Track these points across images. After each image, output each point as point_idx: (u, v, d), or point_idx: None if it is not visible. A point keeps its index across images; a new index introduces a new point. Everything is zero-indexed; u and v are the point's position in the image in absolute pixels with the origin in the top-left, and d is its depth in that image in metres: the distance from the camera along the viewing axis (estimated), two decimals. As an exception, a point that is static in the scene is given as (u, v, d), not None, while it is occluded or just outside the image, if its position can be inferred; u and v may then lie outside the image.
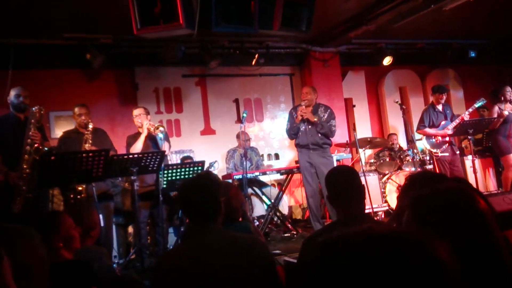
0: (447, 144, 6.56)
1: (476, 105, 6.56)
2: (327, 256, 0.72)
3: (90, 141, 4.88)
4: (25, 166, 4.49)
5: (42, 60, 6.51)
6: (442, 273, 0.70)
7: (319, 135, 5.84)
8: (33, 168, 4.48)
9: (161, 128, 5.24)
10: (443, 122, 6.61)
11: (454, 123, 6.48)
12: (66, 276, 2.11)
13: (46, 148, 4.69)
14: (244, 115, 5.92)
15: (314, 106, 5.96)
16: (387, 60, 7.78)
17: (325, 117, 5.91)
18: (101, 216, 4.19)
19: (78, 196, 4.59)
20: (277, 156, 8.06)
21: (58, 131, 6.47)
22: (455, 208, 1.42)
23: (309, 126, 5.86)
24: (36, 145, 4.55)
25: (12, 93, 4.77)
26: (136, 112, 5.48)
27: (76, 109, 5.15)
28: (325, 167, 5.61)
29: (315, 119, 5.81)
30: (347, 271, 0.69)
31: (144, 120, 5.34)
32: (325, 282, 0.70)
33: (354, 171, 2.56)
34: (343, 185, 2.31)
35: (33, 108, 4.64)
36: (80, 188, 4.63)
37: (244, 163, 6.00)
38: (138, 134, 5.38)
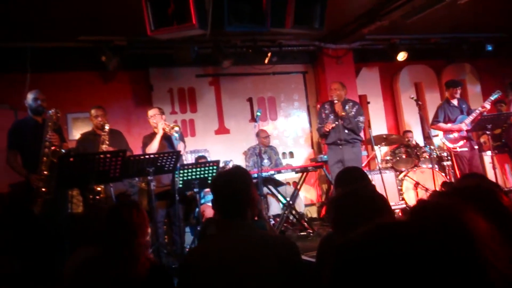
0: (465, 140, 6.48)
1: (492, 98, 6.46)
2: (347, 258, 0.72)
3: (107, 142, 4.94)
4: (43, 168, 4.56)
5: (59, 63, 6.60)
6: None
7: (346, 130, 5.85)
8: (51, 170, 4.55)
9: (176, 128, 5.27)
10: (459, 117, 6.53)
11: (470, 117, 6.39)
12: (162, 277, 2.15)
13: (63, 150, 4.77)
14: (258, 113, 5.92)
15: (342, 102, 5.98)
16: (401, 56, 7.71)
17: (353, 112, 5.94)
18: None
19: (97, 197, 4.66)
20: (291, 155, 8.05)
21: (75, 133, 6.57)
22: (479, 205, 1.41)
23: (337, 122, 5.87)
24: (53, 148, 4.63)
25: (30, 97, 4.84)
26: (151, 112, 5.53)
27: (93, 111, 5.22)
28: (353, 163, 5.57)
29: (343, 113, 5.84)
30: (369, 273, 0.68)
31: (159, 120, 5.38)
32: (349, 281, 0.70)
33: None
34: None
35: (50, 111, 4.71)
36: (98, 189, 4.69)
37: (259, 162, 6.00)
38: (154, 135, 5.42)
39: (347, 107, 5.95)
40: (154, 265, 2.21)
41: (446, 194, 1.42)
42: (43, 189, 4.52)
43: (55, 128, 4.73)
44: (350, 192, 1.99)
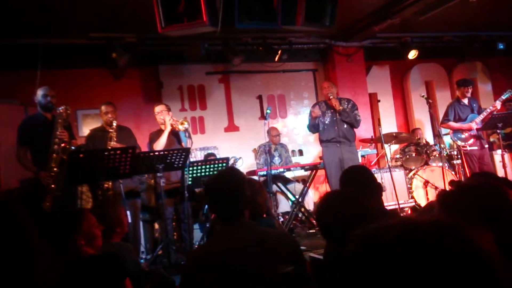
0: (476, 139, 6.43)
1: (503, 97, 6.41)
2: (366, 250, 0.72)
3: (115, 139, 4.96)
4: (53, 165, 4.59)
5: (69, 59, 6.63)
6: (485, 265, 0.68)
7: (345, 126, 5.83)
8: (61, 167, 4.58)
9: (185, 123, 5.29)
10: (469, 116, 6.48)
11: (481, 116, 6.35)
12: (95, 269, 2.16)
13: (73, 147, 4.80)
14: (268, 111, 5.92)
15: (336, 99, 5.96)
16: (412, 54, 7.65)
17: (349, 107, 5.95)
18: (128, 212, 4.27)
19: (107, 193, 4.68)
20: (301, 152, 8.04)
21: (85, 129, 6.60)
22: (486, 202, 1.40)
23: (334, 118, 5.85)
24: (63, 145, 4.66)
25: (39, 93, 4.87)
26: (157, 109, 5.54)
27: (103, 107, 5.24)
28: (352, 163, 5.55)
29: (341, 107, 5.82)
30: (387, 266, 0.68)
31: (166, 116, 5.40)
32: (364, 276, 0.70)
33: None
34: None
35: (60, 108, 4.74)
36: (106, 185, 4.72)
37: (269, 159, 6.00)
38: (160, 131, 5.45)
39: (341, 104, 5.94)
40: (90, 257, 2.26)
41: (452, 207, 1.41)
42: (52, 186, 4.55)
43: (65, 125, 4.76)
44: (332, 199, 2.03)
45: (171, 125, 5.32)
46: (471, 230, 0.73)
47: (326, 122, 5.92)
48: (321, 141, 6.04)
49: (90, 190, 5.15)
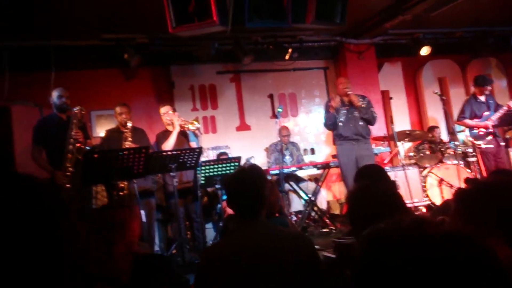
0: (491, 136, 6.34)
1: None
2: (377, 249, 0.71)
3: (130, 139, 5.00)
4: (68, 165, 4.64)
5: (82, 61, 6.70)
6: (497, 273, 0.67)
7: (361, 123, 5.73)
8: (76, 167, 4.63)
9: (196, 123, 5.32)
10: (486, 113, 6.38)
11: (497, 114, 6.24)
12: (150, 267, 2.17)
13: (88, 148, 4.84)
14: (279, 110, 5.91)
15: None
16: (425, 50, 7.56)
17: (365, 104, 5.82)
18: (143, 212, 4.30)
19: (121, 193, 4.72)
20: (312, 151, 8.01)
21: (99, 130, 6.67)
22: (503, 201, 1.37)
23: (350, 115, 5.75)
24: (78, 145, 4.70)
25: (54, 94, 4.93)
26: (163, 110, 5.57)
27: (118, 108, 5.29)
28: (368, 161, 5.49)
29: (359, 103, 5.71)
30: (394, 266, 0.67)
31: (173, 117, 5.42)
32: (373, 275, 0.69)
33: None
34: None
35: (74, 109, 4.78)
36: (122, 185, 4.75)
37: (281, 158, 5.99)
38: (167, 132, 5.48)
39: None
40: (139, 258, 2.23)
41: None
42: (68, 185, 4.60)
43: (80, 125, 4.80)
44: (365, 187, 1.99)
45: (180, 125, 5.34)
46: (486, 235, 0.72)
47: (341, 119, 5.78)
48: (336, 139, 5.90)
49: (106, 190, 5.19)
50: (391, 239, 0.71)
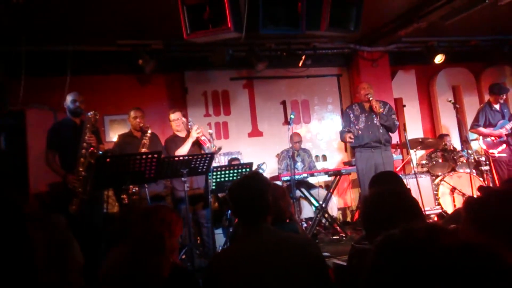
0: (505, 145, 6.28)
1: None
2: (390, 256, 0.71)
3: (147, 146, 5.06)
4: (81, 169, 4.68)
5: (97, 66, 6.79)
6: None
7: (381, 130, 5.63)
8: (88, 171, 4.67)
9: (209, 130, 5.37)
10: (500, 122, 6.33)
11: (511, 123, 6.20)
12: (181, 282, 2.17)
13: (100, 152, 4.89)
14: (292, 116, 5.90)
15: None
16: (439, 58, 7.52)
17: (386, 110, 5.75)
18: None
19: (132, 197, 4.76)
20: (324, 158, 7.99)
21: (112, 134, 6.74)
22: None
23: (370, 122, 5.67)
24: (91, 149, 4.75)
25: (68, 99, 4.99)
26: (174, 116, 5.61)
27: (132, 112, 5.35)
28: (387, 168, 5.42)
29: (381, 110, 5.63)
30: (408, 271, 0.68)
31: (194, 125, 5.45)
32: (388, 281, 0.69)
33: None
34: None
35: (89, 113, 4.84)
36: (134, 190, 4.79)
37: (292, 164, 5.99)
38: (176, 137, 5.52)
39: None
40: (176, 268, 2.21)
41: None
42: (79, 189, 4.65)
43: (93, 129, 4.86)
44: (381, 192, 1.98)
45: (197, 137, 5.39)
46: (499, 244, 0.72)
47: (361, 126, 5.71)
48: (354, 146, 5.82)
49: (114, 194, 5.22)
50: (405, 246, 0.71)
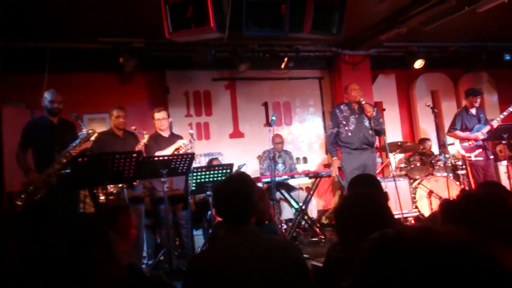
0: (481, 149, 6.41)
1: (511, 109, 6.39)
2: (386, 254, 0.71)
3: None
4: (52, 170, 4.62)
5: (77, 63, 6.67)
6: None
7: (370, 132, 5.60)
8: (55, 177, 4.62)
9: (190, 131, 5.35)
10: (476, 126, 6.46)
11: (488, 127, 6.34)
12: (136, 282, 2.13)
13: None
14: (273, 118, 5.90)
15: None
16: (418, 63, 7.65)
17: (375, 114, 5.69)
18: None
19: (110, 197, 4.70)
20: (305, 160, 8.03)
21: (91, 133, 6.63)
22: (486, 211, 1.40)
23: (360, 124, 5.63)
24: (64, 161, 4.68)
25: (46, 98, 4.88)
26: (159, 115, 5.54)
27: (115, 111, 5.28)
28: (373, 170, 5.45)
29: (374, 114, 5.60)
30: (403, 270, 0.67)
31: (180, 141, 5.43)
32: (382, 279, 0.69)
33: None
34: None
35: (89, 130, 4.84)
36: (113, 191, 4.73)
37: (273, 166, 5.99)
38: (158, 136, 5.48)
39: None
40: (132, 270, 2.19)
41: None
42: (31, 187, 4.57)
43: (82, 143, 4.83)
44: (353, 196, 1.99)
45: (180, 147, 5.37)
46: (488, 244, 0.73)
47: (351, 128, 5.63)
48: (342, 147, 5.72)
49: (89, 194, 5.11)
50: (400, 244, 0.71)
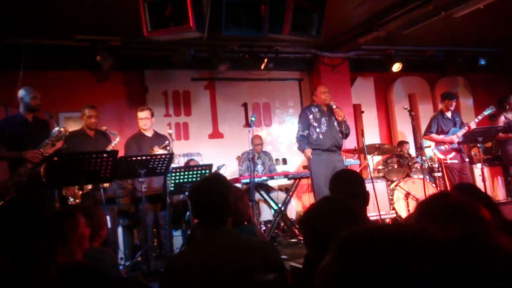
0: (456, 152, 6.52)
1: (485, 113, 6.53)
2: (352, 251, 0.69)
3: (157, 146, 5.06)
4: (22, 172, 4.53)
5: (53, 61, 6.54)
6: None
7: (339, 135, 5.69)
8: (26, 176, 4.52)
9: (169, 130, 5.31)
10: (452, 129, 6.58)
11: (463, 131, 6.45)
12: (78, 279, 2.09)
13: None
14: (253, 119, 5.89)
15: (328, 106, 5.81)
16: (396, 67, 7.75)
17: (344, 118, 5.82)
18: (108, 218, 4.21)
19: (77, 200, 4.63)
20: (284, 161, 8.04)
21: (67, 132, 6.51)
22: (458, 215, 1.43)
23: (331, 126, 5.70)
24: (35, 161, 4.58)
25: (27, 94, 4.78)
26: (142, 114, 5.48)
27: (87, 111, 5.18)
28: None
29: (345, 119, 5.72)
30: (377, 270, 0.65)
31: (156, 147, 5.35)
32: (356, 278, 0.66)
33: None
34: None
35: (61, 128, 4.70)
36: (86, 190, 4.66)
37: (252, 167, 5.98)
38: (140, 136, 5.42)
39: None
40: (76, 266, 2.16)
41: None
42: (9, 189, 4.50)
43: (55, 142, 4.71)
44: (320, 202, 1.97)
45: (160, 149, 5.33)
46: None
47: (322, 131, 5.67)
48: (312, 149, 5.70)
49: (58, 195, 4.99)
50: (374, 245, 0.69)
